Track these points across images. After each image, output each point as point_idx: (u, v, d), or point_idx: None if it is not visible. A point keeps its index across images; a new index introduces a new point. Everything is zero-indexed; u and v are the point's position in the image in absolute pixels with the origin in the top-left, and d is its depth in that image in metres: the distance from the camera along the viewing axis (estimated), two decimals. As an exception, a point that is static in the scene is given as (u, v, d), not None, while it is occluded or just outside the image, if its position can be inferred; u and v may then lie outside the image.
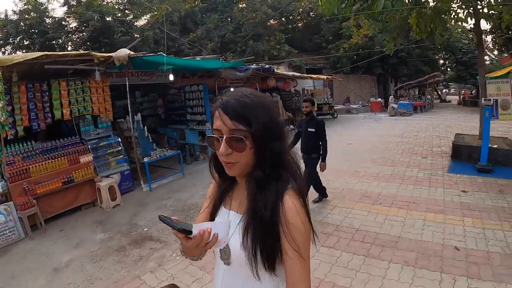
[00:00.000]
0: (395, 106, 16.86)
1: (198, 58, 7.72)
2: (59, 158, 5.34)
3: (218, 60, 7.35)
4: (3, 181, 4.89)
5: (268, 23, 19.74)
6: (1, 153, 5.02)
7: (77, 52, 5.22)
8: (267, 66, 10.02)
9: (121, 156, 6.28)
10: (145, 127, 6.70)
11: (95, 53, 5.14)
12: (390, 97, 18.25)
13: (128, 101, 5.98)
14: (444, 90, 33.26)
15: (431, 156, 7.71)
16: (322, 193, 4.99)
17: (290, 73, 12.76)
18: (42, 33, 16.49)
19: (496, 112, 6.71)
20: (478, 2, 7.07)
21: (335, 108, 17.29)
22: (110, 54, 5.36)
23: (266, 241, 0.89)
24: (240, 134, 0.88)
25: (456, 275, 2.86)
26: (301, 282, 0.87)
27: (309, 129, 4.52)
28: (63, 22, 17.27)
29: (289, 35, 21.80)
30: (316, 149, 4.60)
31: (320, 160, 4.61)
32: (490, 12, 7.45)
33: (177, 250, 3.83)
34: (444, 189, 5.28)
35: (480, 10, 7.22)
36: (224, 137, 0.89)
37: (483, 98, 6.61)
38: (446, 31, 8.32)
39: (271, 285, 0.96)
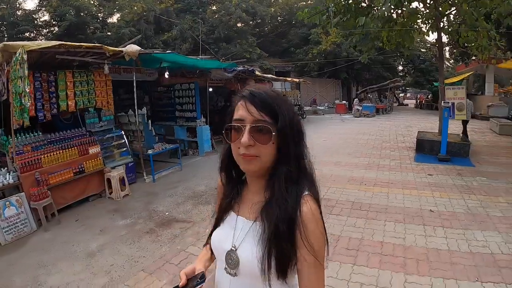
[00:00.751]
0: (360, 108, 18.48)
1: (198, 58, 8.25)
2: (69, 149, 5.50)
3: (218, 61, 7.95)
4: (11, 172, 4.82)
5: (238, 25, 20.49)
6: (8, 143, 5.08)
7: (91, 44, 5.50)
8: (251, 68, 10.75)
9: (124, 149, 6.63)
10: (149, 121, 7.11)
11: (107, 47, 5.48)
12: (355, 99, 19.94)
13: (135, 96, 6.37)
14: (401, 95, 36.22)
15: (398, 149, 8.91)
16: None
17: (269, 75, 13.60)
18: (13, 25, 15.86)
19: (453, 113, 8.06)
20: (441, 19, 8.47)
21: (304, 109, 18.50)
22: (121, 49, 5.72)
23: (283, 249, 0.85)
24: (266, 124, 0.86)
25: (435, 226, 3.84)
26: None
27: None
28: (34, 15, 16.66)
29: (261, 39, 22.79)
30: None
31: None
32: (450, 29, 8.89)
33: (209, 226, 4.39)
34: (414, 173, 6.38)
35: (442, 26, 8.62)
36: (248, 126, 0.87)
37: (442, 101, 7.90)
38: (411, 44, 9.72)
39: None
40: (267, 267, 0.85)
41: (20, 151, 5.03)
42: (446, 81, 14.25)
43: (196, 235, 4.12)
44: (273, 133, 0.86)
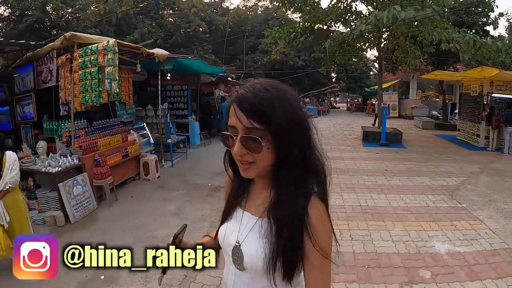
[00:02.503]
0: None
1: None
2: (115, 135, 6.64)
3: (219, 68, 9.76)
4: (68, 155, 5.28)
5: (195, 32, 22.11)
6: (61, 128, 5.85)
7: (134, 44, 6.82)
8: (226, 74, 12.70)
9: (146, 139, 8.02)
10: (169, 114, 8.57)
11: (144, 48, 6.88)
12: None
13: (159, 92, 7.85)
14: (331, 99, 41.21)
15: (349, 140, 11.78)
16: None
17: (238, 81, 15.62)
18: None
19: (388, 111, 11.18)
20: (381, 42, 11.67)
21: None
22: (153, 51, 7.15)
23: (289, 249, 0.85)
24: (256, 133, 0.82)
25: (391, 177, 6.41)
26: None
27: None
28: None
29: (213, 46, 24.61)
30: None
31: None
32: (386, 48, 12.16)
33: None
34: (366, 153, 9.13)
35: (382, 47, 11.84)
36: (239, 137, 0.84)
37: (382, 103, 10.95)
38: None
39: None
40: (272, 267, 0.86)
41: (77, 135, 5.70)
42: (375, 87, 18.15)
43: None
44: (267, 139, 0.83)
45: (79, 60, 5.55)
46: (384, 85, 15.66)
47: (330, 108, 27.71)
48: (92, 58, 5.46)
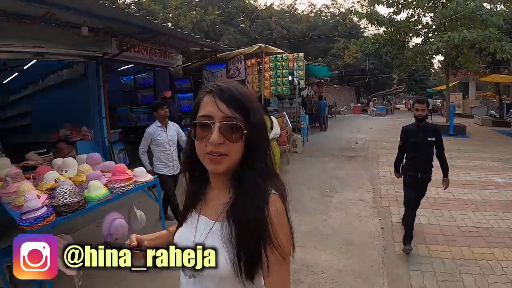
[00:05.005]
0: (375, 109, 25.48)
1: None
2: (279, 118, 11.28)
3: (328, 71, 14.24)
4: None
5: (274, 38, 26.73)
6: None
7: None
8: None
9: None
10: (301, 106, 13.13)
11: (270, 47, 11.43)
12: (371, 102, 27.03)
13: (296, 89, 12.35)
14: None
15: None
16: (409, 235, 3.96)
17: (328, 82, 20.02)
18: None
19: (454, 109, 14.99)
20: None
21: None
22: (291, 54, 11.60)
23: (252, 248, 0.89)
24: (237, 122, 0.90)
25: (464, 158, 10.33)
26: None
27: (429, 139, 3.94)
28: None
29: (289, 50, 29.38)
30: (431, 164, 4.07)
31: (443, 175, 4.10)
32: (451, 55, 15.95)
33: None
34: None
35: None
36: (218, 123, 0.89)
37: (451, 102, 14.79)
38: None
39: None
40: (239, 269, 0.90)
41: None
42: (437, 88, 21.81)
43: (370, 159, 9.85)
44: (245, 131, 0.90)
45: (270, 64, 8.85)
46: (444, 87, 19.35)
47: (394, 108, 31.27)
48: (283, 63, 8.80)
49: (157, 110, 4.67)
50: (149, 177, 3.90)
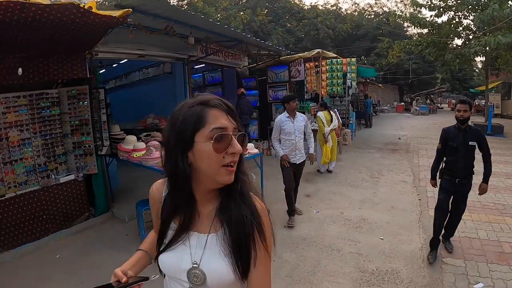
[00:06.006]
0: (418, 108, 26.18)
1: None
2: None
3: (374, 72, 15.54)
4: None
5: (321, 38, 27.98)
6: (309, 105, 12.25)
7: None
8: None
9: (333, 119, 14.04)
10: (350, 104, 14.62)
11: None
12: (414, 101, 27.75)
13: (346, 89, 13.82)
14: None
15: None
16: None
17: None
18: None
19: (493, 109, 15.75)
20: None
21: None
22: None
23: (245, 248, 0.96)
24: (244, 132, 1.00)
25: (498, 155, 11.35)
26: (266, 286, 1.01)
27: (470, 143, 3.68)
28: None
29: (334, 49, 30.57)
30: (472, 170, 3.80)
31: (483, 181, 3.83)
32: (491, 56, 16.54)
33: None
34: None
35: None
36: (235, 135, 0.96)
37: (489, 102, 15.57)
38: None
39: None
40: (241, 271, 0.95)
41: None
42: (480, 88, 22.21)
43: (412, 152, 11.19)
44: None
45: (327, 67, 10.48)
46: (489, 86, 19.78)
47: (437, 108, 31.53)
48: (338, 67, 10.34)
49: (289, 102, 5.01)
50: (256, 150, 5.69)
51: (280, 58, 10.66)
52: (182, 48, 7.26)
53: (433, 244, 3.97)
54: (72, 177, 5.04)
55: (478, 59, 18.58)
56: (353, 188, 6.89)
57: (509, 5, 12.74)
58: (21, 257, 4.30)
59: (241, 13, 26.21)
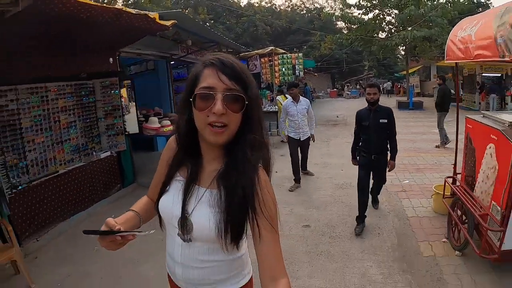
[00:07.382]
0: (349, 93, 30.00)
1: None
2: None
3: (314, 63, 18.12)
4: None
5: (258, 34, 30.43)
6: (264, 93, 14.36)
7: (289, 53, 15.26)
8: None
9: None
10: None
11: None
12: (345, 87, 31.60)
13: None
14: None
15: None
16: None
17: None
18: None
19: (413, 89, 19.48)
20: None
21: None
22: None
23: (239, 215, 0.97)
24: (239, 93, 0.96)
25: (416, 121, 14.64)
26: (277, 259, 0.97)
27: (381, 121, 4.09)
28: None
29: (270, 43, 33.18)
30: (386, 146, 4.25)
31: (390, 158, 4.30)
32: (410, 46, 20.24)
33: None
34: (402, 114, 17.29)
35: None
36: (221, 94, 0.93)
37: (409, 84, 19.24)
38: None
39: (232, 258, 1.10)
40: (224, 232, 0.98)
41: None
42: (403, 72, 26.53)
43: (349, 125, 14.17)
44: (246, 102, 0.97)
45: (279, 61, 12.69)
46: (411, 70, 23.68)
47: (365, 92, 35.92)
48: (288, 60, 12.69)
49: (290, 89, 6.21)
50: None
51: (240, 54, 12.44)
52: (165, 47, 8.11)
53: (359, 219, 4.24)
54: (108, 153, 6.39)
55: (400, 48, 22.37)
56: (314, 148, 8.99)
57: (424, 5, 16.14)
58: (76, 225, 4.80)
59: (186, 11, 27.61)
